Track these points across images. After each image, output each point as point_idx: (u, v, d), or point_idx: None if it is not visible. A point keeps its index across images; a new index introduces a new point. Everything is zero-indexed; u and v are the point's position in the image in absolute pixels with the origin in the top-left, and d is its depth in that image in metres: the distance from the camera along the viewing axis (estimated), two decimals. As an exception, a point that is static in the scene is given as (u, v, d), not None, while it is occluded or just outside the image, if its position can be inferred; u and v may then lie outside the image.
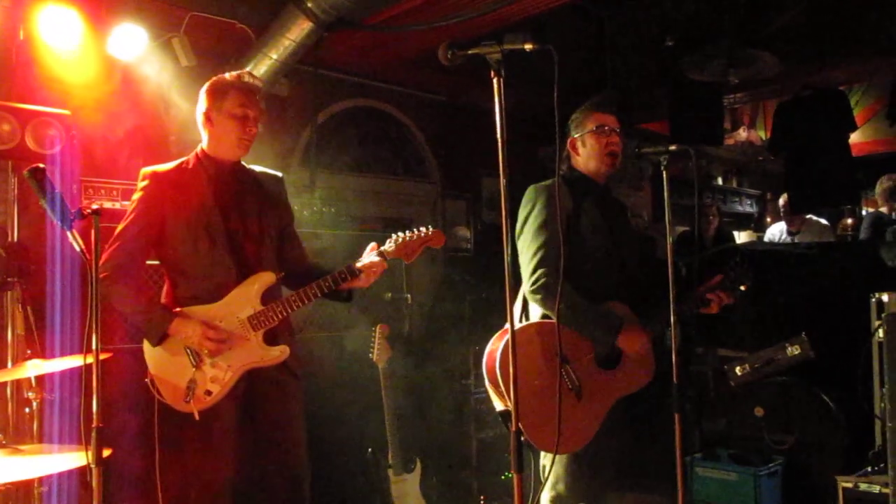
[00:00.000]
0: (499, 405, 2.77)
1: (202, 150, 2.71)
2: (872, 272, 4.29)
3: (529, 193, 2.90)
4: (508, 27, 4.24)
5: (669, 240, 2.70)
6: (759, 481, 3.81)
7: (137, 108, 3.89)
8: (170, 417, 2.58)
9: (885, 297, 3.36)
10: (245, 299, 2.62)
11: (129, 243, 2.57)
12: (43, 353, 3.03)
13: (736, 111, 8.06)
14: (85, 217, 2.05)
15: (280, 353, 2.64)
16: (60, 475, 2.89)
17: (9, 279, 3.17)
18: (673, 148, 2.69)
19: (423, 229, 2.74)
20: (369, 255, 2.71)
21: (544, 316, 2.80)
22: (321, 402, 3.89)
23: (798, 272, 4.63)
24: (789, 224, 6.31)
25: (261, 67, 4.12)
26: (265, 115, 2.76)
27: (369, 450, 3.78)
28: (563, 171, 2.97)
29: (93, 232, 2.02)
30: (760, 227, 8.98)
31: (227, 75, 2.71)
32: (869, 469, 3.21)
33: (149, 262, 2.79)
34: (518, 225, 2.89)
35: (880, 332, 3.19)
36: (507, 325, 2.00)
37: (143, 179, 2.65)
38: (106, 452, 2.01)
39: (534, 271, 2.76)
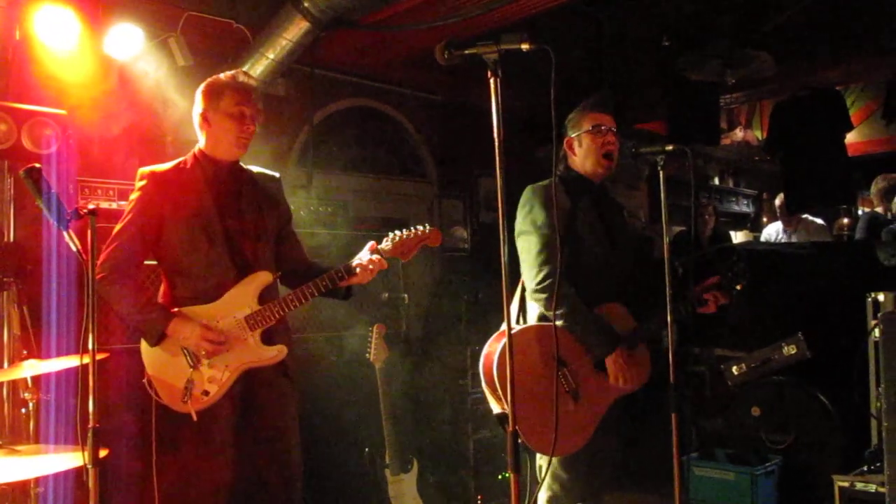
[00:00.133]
0: (496, 408, 2.76)
1: (200, 151, 2.71)
2: (868, 272, 4.30)
3: (527, 194, 2.90)
4: (506, 27, 4.24)
5: (666, 240, 2.71)
6: (756, 481, 3.81)
7: (134, 107, 3.88)
8: (167, 418, 2.57)
9: (881, 297, 3.37)
10: (242, 299, 2.62)
11: (127, 243, 2.57)
12: (39, 354, 3.02)
13: (732, 111, 8.07)
14: (81, 217, 2.05)
15: (277, 352, 2.64)
16: (57, 476, 2.88)
17: (5, 279, 3.16)
18: (670, 148, 2.69)
19: (420, 228, 2.74)
20: (367, 254, 2.72)
21: (542, 317, 2.80)
22: (319, 403, 3.90)
23: (794, 272, 4.64)
24: (786, 224, 6.32)
25: (258, 67, 4.12)
26: (262, 113, 2.76)
27: (366, 450, 3.78)
28: (561, 170, 2.97)
29: (89, 232, 2.02)
30: (757, 227, 8.99)
31: (223, 75, 2.71)
32: (865, 468, 3.23)
33: (146, 263, 2.78)
34: (516, 225, 2.89)
35: (876, 332, 3.20)
36: (505, 327, 2.00)
37: (140, 179, 2.64)
38: (102, 453, 2.01)
39: (539, 272, 2.76)
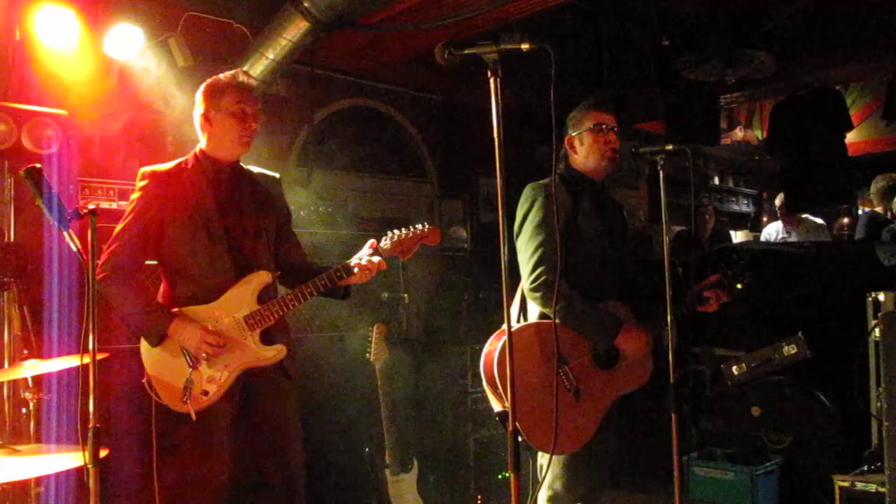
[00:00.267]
0: (496, 406, 2.76)
1: (201, 151, 2.71)
2: (869, 271, 4.30)
3: (527, 192, 2.90)
4: (505, 27, 4.24)
5: (666, 240, 2.71)
6: (756, 480, 3.82)
7: (134, 107, 3.88)
8: (167, 418, 2.58)
9: (881, 297, 3.37)
10: (241, 299, 2.62)
11: (128, 243, 2.57)
12: (40, 354, 3.02)
13: (732, 111, 8.06)
14: (82, 217, 2.05)
15: (276, 352, 2.64)
16: (57, 475, 2.89)
17: (5, 279, 3.17)
18: (669, 147, 2.70)
19: (419, 226, 2.75)
20: (366, 253, 2.72)
21: (542, 315, 2.80)
22: (319, 403, 3.90)
23: (794, 272, 4.63)
24: (786, 223, 6.31)
25: (258, 67, 4.12)
26: (262, 113, 2.76)
27: (366, 450, 3.78)
28: (561, 169, 2.97)
29: (89, 232, 2.02)
30: (757, 227, 8.99)
31: (223, 76, 2.71)
32: (865, 468, 3.23)
33: (146, 263, 2.78)
34: (516, 224, 2.89)
35: (877, 332, 3.20)
36: (505, 326, 2.00)
37: (142, 179, 2.65)
38: (103, 453, 2.01)
39: (533, 270, 2.75)
